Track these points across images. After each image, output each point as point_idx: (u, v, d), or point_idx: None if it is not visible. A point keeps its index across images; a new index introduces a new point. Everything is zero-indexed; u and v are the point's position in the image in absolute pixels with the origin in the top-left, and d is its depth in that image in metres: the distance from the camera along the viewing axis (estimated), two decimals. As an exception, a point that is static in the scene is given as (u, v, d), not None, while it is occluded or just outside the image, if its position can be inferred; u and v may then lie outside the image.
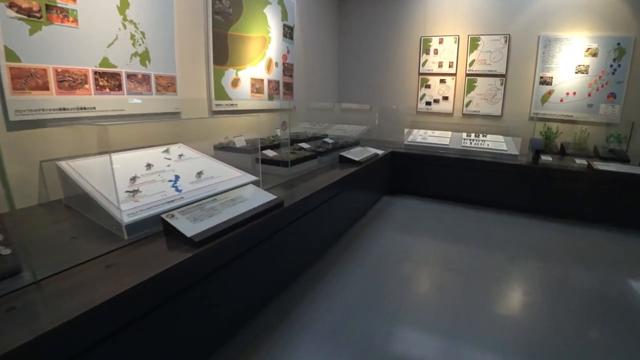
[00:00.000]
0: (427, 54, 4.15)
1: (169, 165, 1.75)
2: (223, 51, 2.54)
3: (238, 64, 2.69)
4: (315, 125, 3.91)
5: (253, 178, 1.78)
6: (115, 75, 1.87)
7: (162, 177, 1.60)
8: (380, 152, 3.17)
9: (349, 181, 2.26)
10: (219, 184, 1.61)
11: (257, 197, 1.46)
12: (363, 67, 4.55)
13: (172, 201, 1.37)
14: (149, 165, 1.68)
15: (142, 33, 1.96)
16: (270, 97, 3.16)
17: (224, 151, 2.46)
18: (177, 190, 1.49)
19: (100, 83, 1.81)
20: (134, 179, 1.51)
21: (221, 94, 2.56)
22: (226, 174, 1.76)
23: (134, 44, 1.93)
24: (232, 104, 2.68)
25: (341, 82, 4.72)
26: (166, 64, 2.12)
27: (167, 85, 2.14)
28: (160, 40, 2.07)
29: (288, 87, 3.42)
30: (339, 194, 2.13)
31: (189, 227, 1.14)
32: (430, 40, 4.13)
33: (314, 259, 1.99)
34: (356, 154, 2.77)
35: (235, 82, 2.69)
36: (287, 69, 3.38)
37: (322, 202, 1.87)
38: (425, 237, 2.50)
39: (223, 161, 2.03)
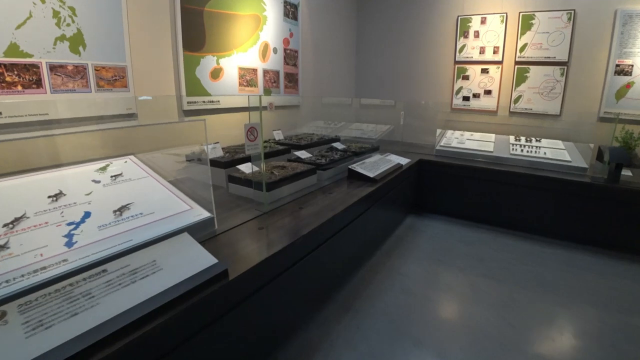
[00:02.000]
0: (466, 37, 3.42)
1: (89, 194, 1.26)
2: (198, 33, 2.01)
3: (220, 49, 2.16)
4: (330, 124, 3.33)
5: (204, 215, 1.24)
6: (31, 68, 1.39)
7: (64, 215, 1.11)
8: (404, 161, 2.55)
9: (357, 208, 1.68)
10: (142, 230, 1.09)
11: (183, 262, 0.92)
12: (387, 54, 3.88)
13: (44, 268, 0.87)
14: (56, 196, 1.20)
15: (72, 9, 1.47)
16: (267, 91, 2.61)
17: (197, 164, 1.96)
18: (69, 243, 0.99)
19: (8, 79, 1.34)
20: (14, 222, 1.02)
21: (196, 88, 2.05)
22: (165, 208, 1.25)
23: (58, 24, 1.44)
24: (212, 101, 2.16)
25: (359, 72, 4.08)
26: (111, 51, 1.62)
27: (114, 78, 1.65)
28: (101, 19, 1.57)
29: (291, 78, 2.85)
30: (337, 233, 1.55)
31: (16, 345, 0.62)
32: (469, 20, 3.39)
33: (280, 344, 1.37)
34: (371, 166, 2.16)
35: (216, 73, 2.16)
36: (290, 57, 2.80)
37: (306, 253, 1.30)
38: (458, 282, 1.88)
39: (184, 182, 1.53)
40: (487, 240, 2.40)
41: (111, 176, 1.40)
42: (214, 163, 1.83)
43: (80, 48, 1.52)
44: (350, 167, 2.07)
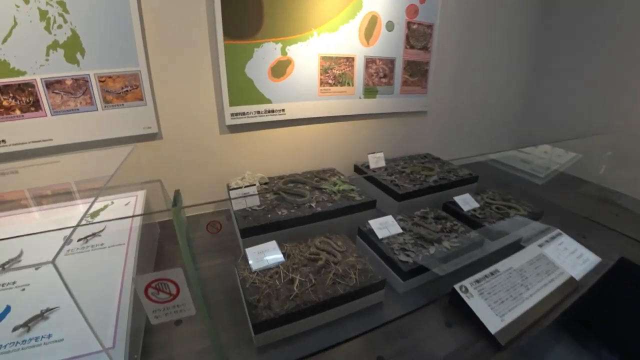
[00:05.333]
0: None
1: (40, 268, 1.07)
2: (249, 10, 1.42)
3: (287, 31, 1.51)
4: (472, 139, 2.18)
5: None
6: (26, 87, 1.23)
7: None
8: (588, 264, 1.29)
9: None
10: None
11: None
12: (591, 39, 2.09)
13: None
14: (9, 263, 1.07)
15: (61, 4, 1.18)
16: (371, 92, 1.80)
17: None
18: None
19: (5, 103, 1.22)
20: None
21: (246, 92, 1.53)
22: (82, 335, 0.89)
23: (48, 28, 1.19)
24: (273, 111, 1.60)
25: (540, 62, 2.41)
26: (118, 53, 1.30)
27: (124, 90, 1.34)
28: (100, 11, 1.23)
29: (415, 69, 1.87)
30: None
31: None
32: None
33: None
34: (507, 287, 1.12)
35: (280, 68, 1.55)
36: (418, 36, 1.81)
37: None
38: None
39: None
40: None
41: (79, 239, 1.15)
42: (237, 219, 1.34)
43: (78, 55, 1.24)
44: (458, 288, 1.11)
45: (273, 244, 1.19)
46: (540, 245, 1.34)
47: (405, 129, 2.01)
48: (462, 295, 1.06)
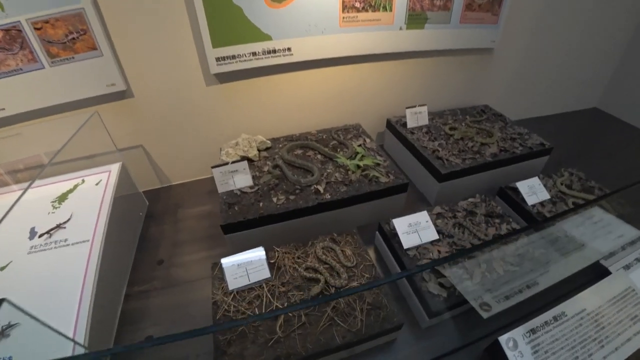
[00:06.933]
0: None
1: (4, 267, 1.01)
2: None
3: None
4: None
5: None
6: (-51, 42, 1.00)
7: None
8: None
9: None
10: None
11: None
12: None
13: None
14: None
15: None
16: (417, 20, 1.27)
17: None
18: None
19: None
20: None
21: (233, 28, 1.15)
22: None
23: (-57, -43, 0.89)
24: (274, 51, 1.21)
25: None
26: (48, -11, 0.98)
27: (70, 37, 1.05)
28: None
29: None
30: None
31: None
32: None
33: None
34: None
35: (279, -9, 1.11)
36: None
37: None
38: None
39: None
40: None
41: (41, 235, 1.03)
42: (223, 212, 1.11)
43: (-4, -4, 0.95)
44: (504, 342, 0.77)
45: (259, 251, 0.97)
46: (628, 267, 0.95)
47: (462, 73, 1.47)
48: (508, 352, 0.78)
